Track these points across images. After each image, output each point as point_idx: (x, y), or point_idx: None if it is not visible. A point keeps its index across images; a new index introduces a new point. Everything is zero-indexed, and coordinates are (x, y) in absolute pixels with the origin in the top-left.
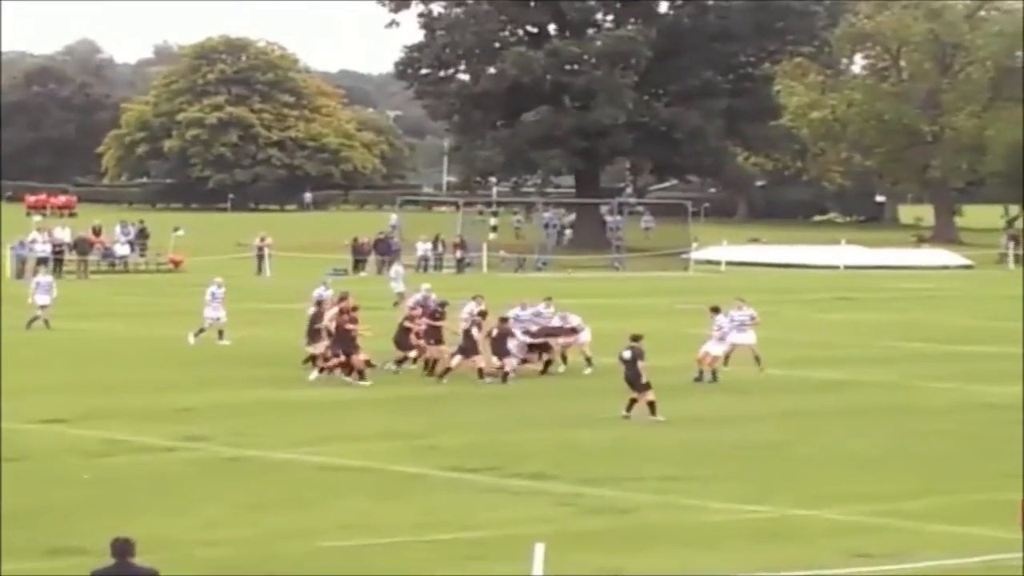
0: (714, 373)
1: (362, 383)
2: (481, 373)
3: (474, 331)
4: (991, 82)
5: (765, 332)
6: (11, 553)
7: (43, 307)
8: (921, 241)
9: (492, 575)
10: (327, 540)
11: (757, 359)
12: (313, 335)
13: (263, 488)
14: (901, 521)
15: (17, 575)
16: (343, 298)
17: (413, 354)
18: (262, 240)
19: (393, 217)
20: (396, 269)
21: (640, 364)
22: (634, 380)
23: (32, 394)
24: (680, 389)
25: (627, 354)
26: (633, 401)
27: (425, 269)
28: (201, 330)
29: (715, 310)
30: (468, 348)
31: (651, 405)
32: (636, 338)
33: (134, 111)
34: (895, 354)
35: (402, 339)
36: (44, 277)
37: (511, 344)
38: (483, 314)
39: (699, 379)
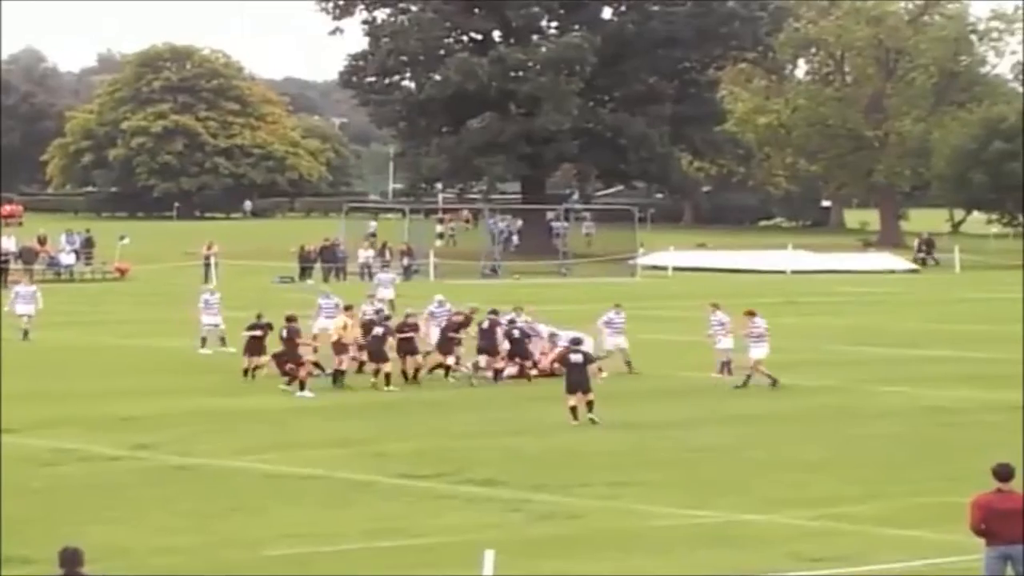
0: (767, 378)
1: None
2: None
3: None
4: (935, 87)
5: None
6: None
7: (27, 316)
8: (867, 245)
9: None
10: (274, 548)
11: (724, 365)
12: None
13: (210, 496)
14: (849, 525)
15: None
16: (348, 308)
17: (451, 360)
18: (209, 248)
19: (372, 224)
20: (390, 276)
21: (590, 367)
22: (582, 382)
23: None
24: (627, 395)
25: (578, 357)
26: (574, 408)
27: (369, 276)
28: (204, 339)
29: (751, 313)
30: (487, 348)
31: (590, 404)
32: (577, 342)
33: (78, 120)
34: (842, 358)
35: (445, 346)
36: (26, 287)
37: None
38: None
39: (743, 385)
